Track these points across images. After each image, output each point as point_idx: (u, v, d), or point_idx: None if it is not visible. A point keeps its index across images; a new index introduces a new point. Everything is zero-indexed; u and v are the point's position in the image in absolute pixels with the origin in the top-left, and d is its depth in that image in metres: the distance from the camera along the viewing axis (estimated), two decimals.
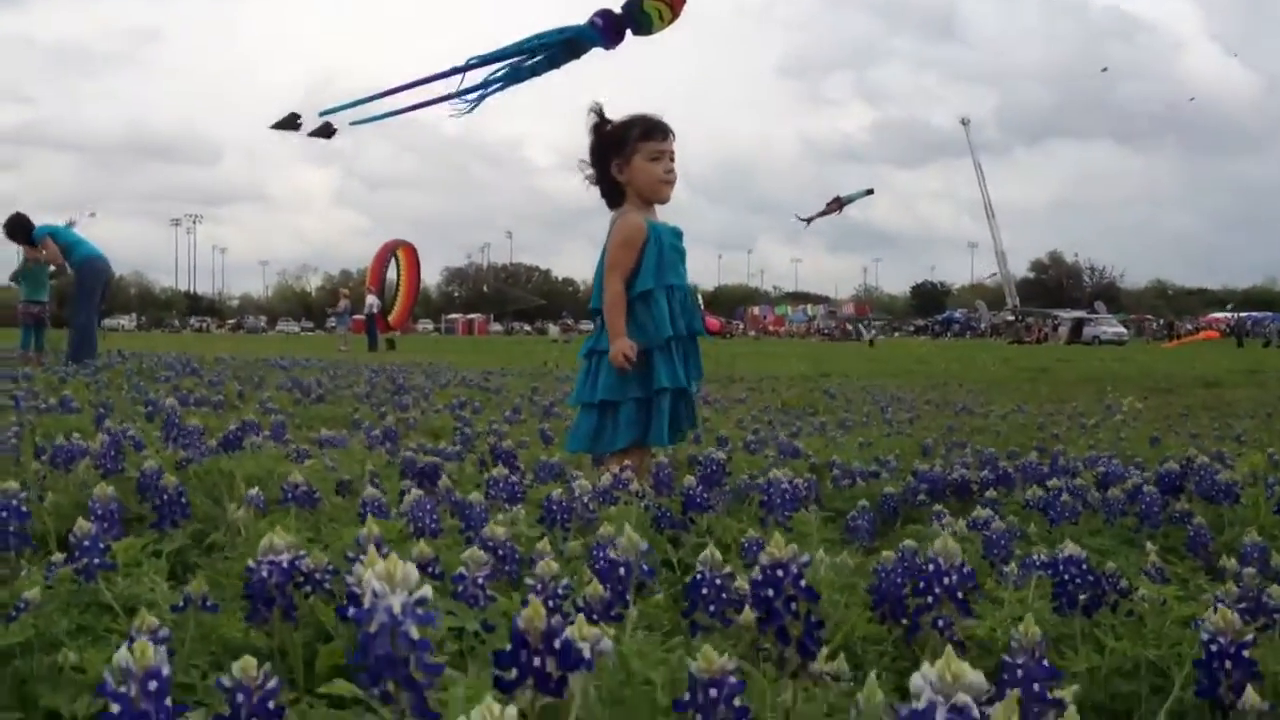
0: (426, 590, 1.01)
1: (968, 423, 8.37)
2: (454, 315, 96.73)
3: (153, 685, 0.95)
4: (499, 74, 4.60)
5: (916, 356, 27.06)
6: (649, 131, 4.00)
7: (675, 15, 4.46)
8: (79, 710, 1.55)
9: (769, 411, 8.86)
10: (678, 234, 4.09)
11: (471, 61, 4.60)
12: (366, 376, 11.40)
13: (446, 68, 4.65)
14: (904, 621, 1.92)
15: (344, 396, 8.57)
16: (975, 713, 0.91)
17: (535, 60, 4.58)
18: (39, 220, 12.13)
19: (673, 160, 4.04)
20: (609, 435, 3.95)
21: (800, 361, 21.73)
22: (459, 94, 4.65)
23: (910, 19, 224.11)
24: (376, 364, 16.02)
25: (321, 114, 5.26)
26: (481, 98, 4.66)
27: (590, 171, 4.11)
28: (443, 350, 29.13)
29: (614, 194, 4.08)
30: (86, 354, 11.30)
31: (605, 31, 4.41)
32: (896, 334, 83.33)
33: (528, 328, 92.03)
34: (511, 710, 0.86)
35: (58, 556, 2.06)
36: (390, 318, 40.67)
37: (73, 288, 12.27)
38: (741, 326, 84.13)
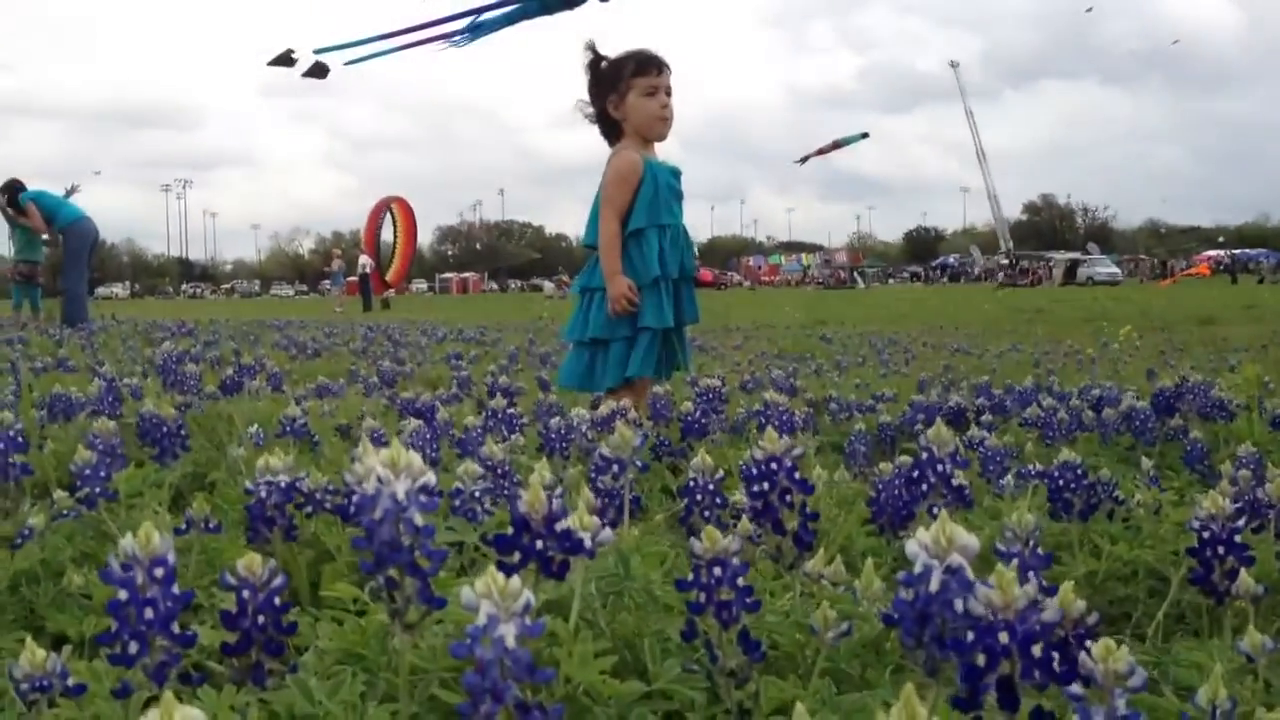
0: (430, 477, 1.02)
1: (964, 362, 8.38)
2: (448, 274, 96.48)
3: (159, 571, 0.96)
4: (494, 15, 4.61)
5: (911, 300, 27.04)
6: (643, 66, 3.98)
7: None
8: (86, 632, 1.56)
9: (765, 357, 8.86)
10: (675, 173, 4.08)
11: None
12: (362, 334, 11.39)
13: (442, 11, 4.67)
14: (902, 534, 1.94)
15: (340, 352, 8.57)
16: (970, 574, 0.92)
17: (530, 3, 4.59)
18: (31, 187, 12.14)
19: (669, 95, 4.02)
20: (599, 373, 3.97)
21: (796, 309, 21.70)
22: (454, 34, 4.66)
23: None
24: (372, 323, 15.99)
25: (316, 52, 5.25)
26: (474, 35, 4.67)
27: (589, 111, 4.10)
28: (438, 308, 29.11)
29: (611, 131, 4.08)
30: (80, 317, 11.29)
31: None
32: (891, 280, 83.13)
33: (522, 284, 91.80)
34: (516, 580, 0.87)
35: (60, 494, 2.07)
36: (388, 275, 40.45)
37: (61, 253, 12.26)
38: (736, 277, 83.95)
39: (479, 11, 4.62)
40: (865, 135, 12.81)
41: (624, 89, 3.96)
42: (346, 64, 5.10)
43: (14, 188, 11.95)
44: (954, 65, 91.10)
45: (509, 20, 4.64)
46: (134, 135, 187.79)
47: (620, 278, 3.86)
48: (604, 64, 4.02)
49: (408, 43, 4.81)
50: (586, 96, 4.09)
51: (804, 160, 12.30)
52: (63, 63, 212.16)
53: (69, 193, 12.47)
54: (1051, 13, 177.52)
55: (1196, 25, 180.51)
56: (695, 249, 4.32)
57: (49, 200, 11.88)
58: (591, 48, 4.04)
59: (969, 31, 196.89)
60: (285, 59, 5.22)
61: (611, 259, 3.89)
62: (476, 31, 4.65)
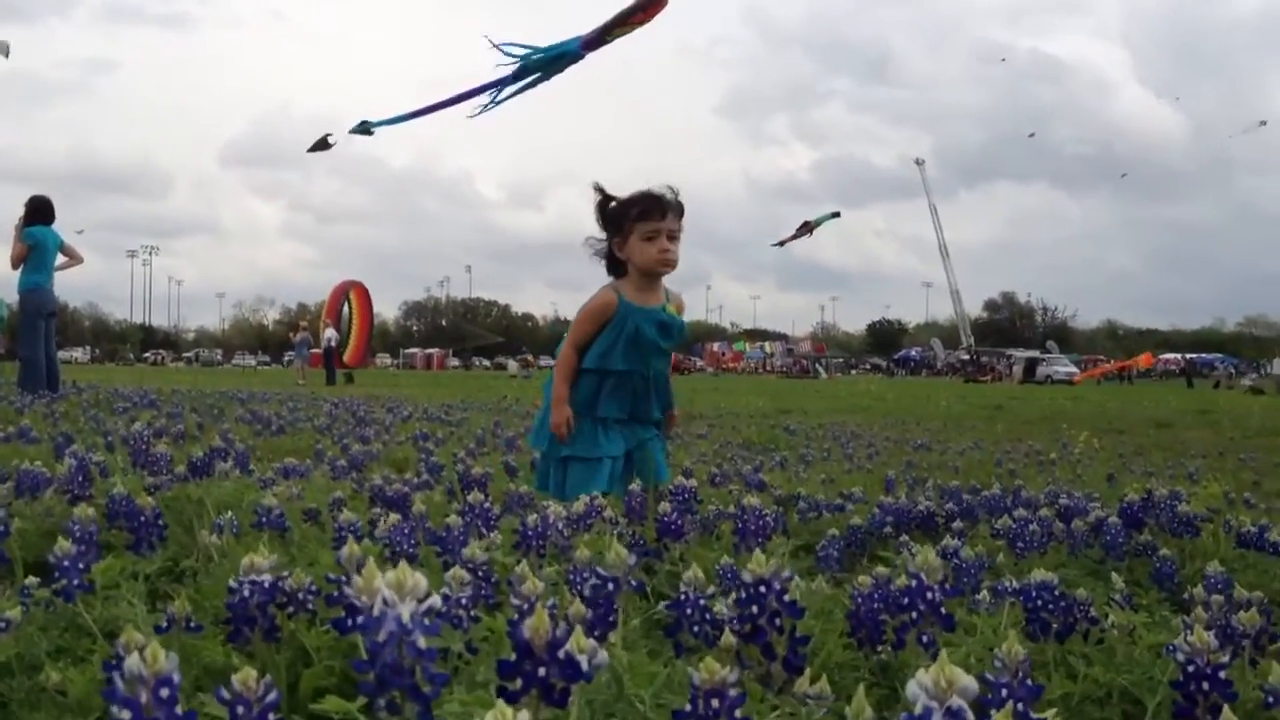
0: (435, 600, 1.03)
1: (926, 459, 8.45)
2: (412, 349, 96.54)
3: (164, 692, 0.96)
4: (511, 83, 4.91)
5: (873, 394, 27.18)
6: (646, 211, 4.04)
7: (649, 21, 4.75)
8: None
9: (730, 447, 8.89)
10: (660, 322, 4.10)
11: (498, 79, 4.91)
12: (326, 409, 11.32)
13: (472, 86, 5.02)
14: (879, 648, 1.95)
15: (304, 429, 8.51)
16: (970, 716, 0.93)
17: (537, 73, 4.86)
18: None
19: (673, 238, 4.06)
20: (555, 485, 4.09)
21: (759, 398, 21.78)
22: (479, 91, 4.93)
23: (846, 61, 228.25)
24: (336, 397, 15.90)
25: (351, 131, 5.49)
26: (496, 101, 4.93)
27: (600, 248, 4.16)
28: (402, 384, 29.01)
29: (616, 268, 4.16)
30: (35, 383, 11.12)
31: (588, 48, 4.73)
32: (853, 371, 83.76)
33: (486, 363, 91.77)
34: (524, 714, 0.88)
35: (32, 580, 2.05)
36: (345, 356, 40.55)
37: (18, 318, 12.08)
38: (700, 363, 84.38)
39: (498, 86, 4.89)
40: (837, 214, 12.98)
41: (627, 231, 4.04)
42: (373, 126, 5.33)
43: (35, 208, 11.67)
44: (919, 162, 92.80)
45: (518, 84, 4.94)
46: (99, 199, 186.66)
47: (563, 406, 4.03)
48: (611, 205, 4.09)
49: (433, 105, 5.15)
50: (598, 233, 4.19)
51: (782, 243, 12.49)
52: (34, 125, 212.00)
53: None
54: (999, 114, 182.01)
55: (1142, 132, 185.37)
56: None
57: (39, 246, 11.53)
58: (599, 189, 4.12)
59: (922, 130, 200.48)
60: (323, 144, 5.43)
61: (559, 385, 4.06)
62: (494, 103, 4.95)
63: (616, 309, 4.00)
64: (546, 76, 4.99)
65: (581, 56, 4.89)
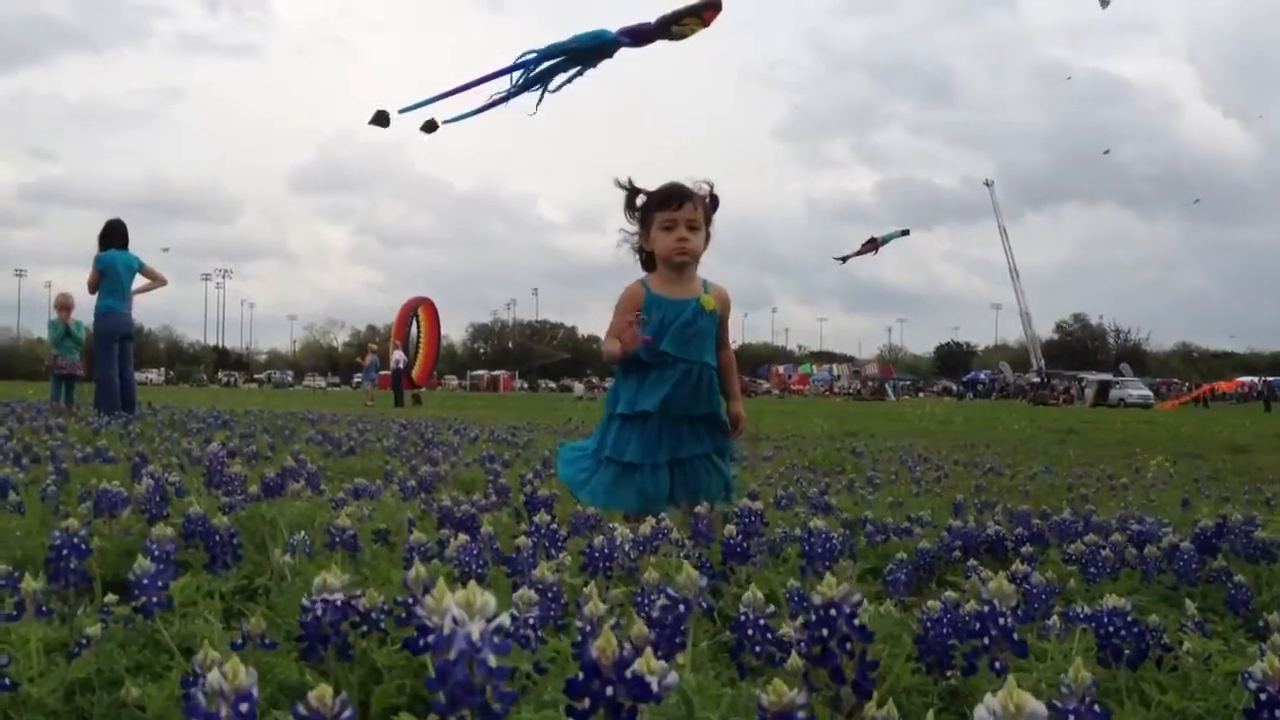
0: (504, 619, 1.04)
1: (996, 483, 8.35)
2: (479, 371, 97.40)
3: (244, 707, 0.98)
4: (548, 73, 4.92)
5: (939, 417, 26.92)
6: (662, 202, 4.13)
7: (706, 26, 4.73)
8: None
9: (796, 469, 8.84)
10: (687, 309, 4.10)
11: (526, 58, 4.90)
12: (395, 431, 11.43)
13: (505, 66, 5.00)
14: (948, 673, 1.93)
15: (374, 450, 8.61)
16: None
17: (574, 64, 4.87)
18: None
19: (690, 227, 4.09)
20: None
21: (825, 420, 21.67)
22: (518, 89, 4.94)
23: (907, 84, 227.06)
24: (404, 419, 16.05)
25: (400, 111, 5.56)
26: (525, 89, 4.95)
27: (633, 240, 4.24)
28: (469, 406, 29.22)
29: (648, 261, 4.24)
30: (109, 403, 11.33)
31: (634, 41, 4.70)
32: (921, 394, 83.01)
33: (552, 384, 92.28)
34: None
35: (111, 598, 2.10)
36: (413, 374, 40.95)
37: (93, 341, 12.33)
38: (765, 385, 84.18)
39: (527, 69, 4.91)
40: (906, 232, 12.80)
41: (649, 223, 4.13)
42: (448, 121, 5.40)
43: (109, 233, 11.91)
44: (988, 184, 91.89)
45: (553, 76, 4.94)
46: (171, 225, 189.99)
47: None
48: (636, 199, 4.17)
49: (485, 104, 5.14)
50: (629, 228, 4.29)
51: (845, 259, 12.39)
52: (105, 152, 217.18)
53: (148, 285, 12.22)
54: (1062, 135, 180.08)
55: (1210, 151, 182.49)
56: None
57: (108, 273, 11.78)
58: (626, 184, 4.19)
59: (985, 152, 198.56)
60: (381, 119, 5.51)
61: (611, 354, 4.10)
62: (527, 87, 4.95)
63: (644, 299, 4.07)
64: (584, 66, 4.99)
65: (620, 44, 4.86)
